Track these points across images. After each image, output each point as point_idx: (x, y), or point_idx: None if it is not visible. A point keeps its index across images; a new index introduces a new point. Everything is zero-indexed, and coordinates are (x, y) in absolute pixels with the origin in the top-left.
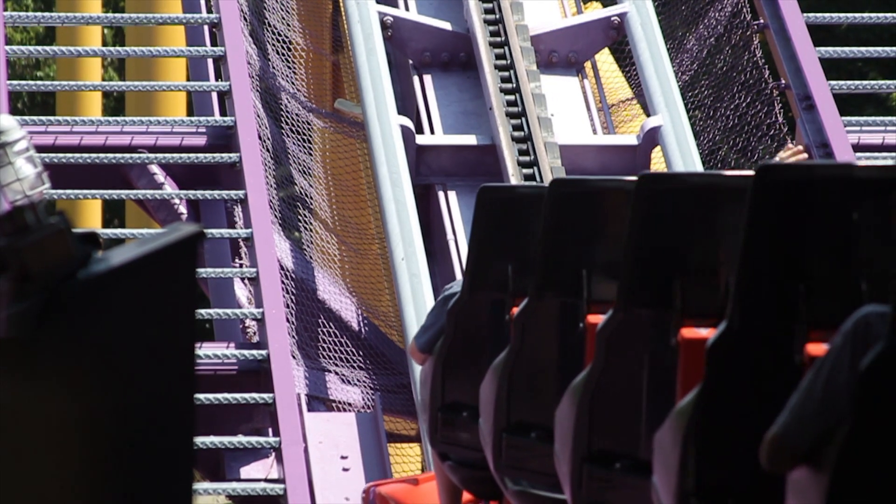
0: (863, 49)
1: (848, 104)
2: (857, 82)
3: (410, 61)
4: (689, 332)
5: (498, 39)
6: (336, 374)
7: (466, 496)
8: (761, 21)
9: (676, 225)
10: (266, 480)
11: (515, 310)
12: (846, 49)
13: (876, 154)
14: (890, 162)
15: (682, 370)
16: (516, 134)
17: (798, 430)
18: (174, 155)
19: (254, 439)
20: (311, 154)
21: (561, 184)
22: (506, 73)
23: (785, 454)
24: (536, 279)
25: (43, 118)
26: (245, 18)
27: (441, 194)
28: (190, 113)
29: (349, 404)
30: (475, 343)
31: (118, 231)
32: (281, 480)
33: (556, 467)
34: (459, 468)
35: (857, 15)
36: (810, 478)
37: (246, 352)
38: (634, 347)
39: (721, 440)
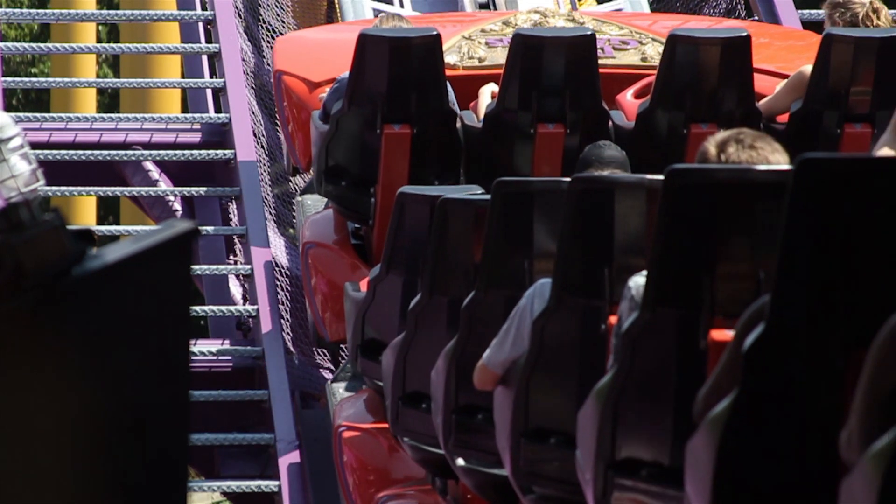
0: None
1: None
2: None
3: None
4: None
5: None
6: (331, 370)
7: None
8: (756, 18)
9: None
10: (260, 477)
11: None
12: None
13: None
14: None
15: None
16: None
17: (496, 360)
18: (169, 152)
19: (248, 436)
20: None
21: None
22: None
23: (487, 377)
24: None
25: (37, 115)
26: (240, 15)
27: None
28: (184, 110)
29: None
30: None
31: (113, 228)
32: (275, 477)
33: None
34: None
35: None
36: (505, 392)
37: (240, 348)
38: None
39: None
